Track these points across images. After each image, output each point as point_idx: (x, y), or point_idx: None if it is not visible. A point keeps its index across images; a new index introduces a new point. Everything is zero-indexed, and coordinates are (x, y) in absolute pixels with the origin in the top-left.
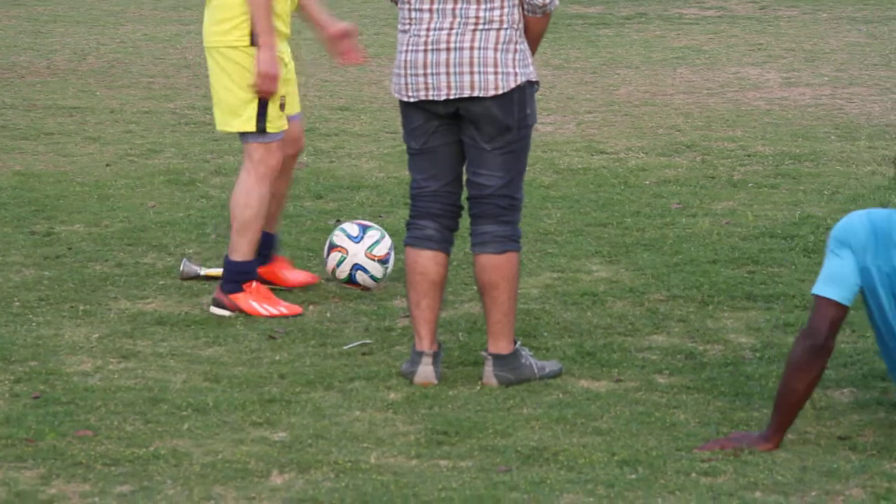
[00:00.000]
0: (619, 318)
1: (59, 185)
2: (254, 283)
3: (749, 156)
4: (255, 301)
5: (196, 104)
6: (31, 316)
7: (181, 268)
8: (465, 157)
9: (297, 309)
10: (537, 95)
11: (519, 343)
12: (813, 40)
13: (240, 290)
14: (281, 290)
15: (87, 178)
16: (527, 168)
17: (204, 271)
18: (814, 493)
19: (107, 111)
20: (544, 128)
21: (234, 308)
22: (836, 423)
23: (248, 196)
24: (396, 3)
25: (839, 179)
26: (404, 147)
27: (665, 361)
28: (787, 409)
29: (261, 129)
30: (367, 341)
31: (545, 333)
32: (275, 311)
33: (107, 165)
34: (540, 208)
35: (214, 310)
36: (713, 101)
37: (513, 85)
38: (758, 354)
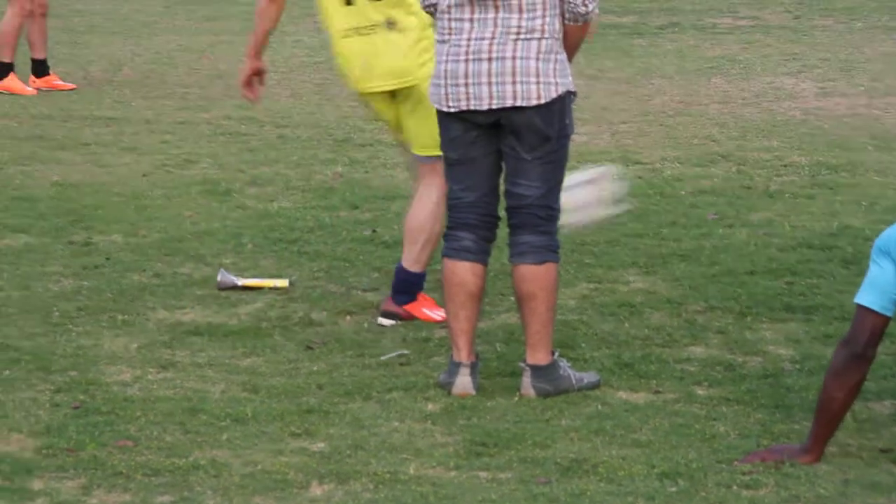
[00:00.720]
0: (657, 330)
1: (96, 196)
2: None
3: (785, 166)
4: (427, 308)
5: (231, 115)
6: (70, 326)
7: (218, 278)
8: (502, 168)
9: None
10: (572, 106)
11: (557, 354)
12: (848, 50)
13: (414, 299)
14: None
15: (124, 188)
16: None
17: (241, 282)
18: None
19: (143, 121)
20: (579, 138)
21: (408, 317)
22: (877, 435)
23: (437, 208)
24: (433, 14)
25: (876, 190)
26: None
27: (704, 373)
28: (827, 419)
29: None
30: (405, 352)
31: (583, 344)
32: (438, 317)
33: (143, 176)
34: None
35: (384, 321)
36: (748, 111)
37: (554, 95)
38: (797, 366)
